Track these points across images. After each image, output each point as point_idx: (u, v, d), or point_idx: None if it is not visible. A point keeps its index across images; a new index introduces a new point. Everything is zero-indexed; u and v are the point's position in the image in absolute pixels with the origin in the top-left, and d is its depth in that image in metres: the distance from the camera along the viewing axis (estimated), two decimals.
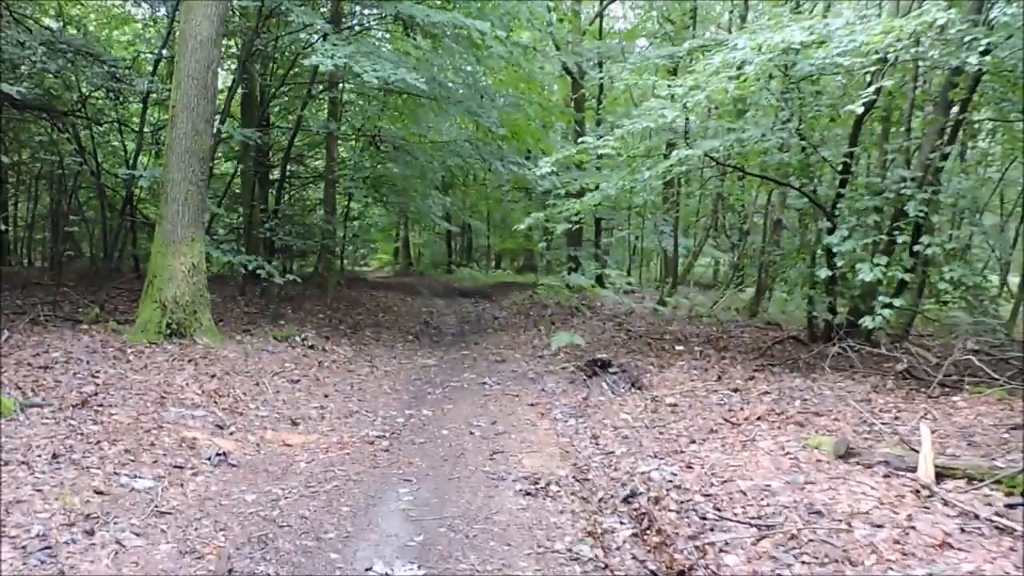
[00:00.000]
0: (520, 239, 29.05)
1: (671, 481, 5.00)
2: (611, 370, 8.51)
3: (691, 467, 5.24)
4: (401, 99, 15.04)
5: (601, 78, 19.44)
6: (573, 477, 5.22)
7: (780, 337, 10.82)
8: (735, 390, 7.57)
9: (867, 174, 11.30)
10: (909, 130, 9.87)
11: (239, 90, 17.30)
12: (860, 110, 7.13)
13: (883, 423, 6.25)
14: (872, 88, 6.98)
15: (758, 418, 6.33)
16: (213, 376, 7.63)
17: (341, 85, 16.51)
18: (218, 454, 5.37)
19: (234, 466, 5.26)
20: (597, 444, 6.03)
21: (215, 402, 6.72)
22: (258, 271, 10.66)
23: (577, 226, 21.40)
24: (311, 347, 9.77)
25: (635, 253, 27.02)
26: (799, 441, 5.58)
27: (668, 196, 14.73)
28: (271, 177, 22.33)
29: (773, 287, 14.61)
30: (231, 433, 5.99)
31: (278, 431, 6.25)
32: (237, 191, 17.37)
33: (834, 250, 8.00)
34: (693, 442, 5.84)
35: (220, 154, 21.40)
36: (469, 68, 12.29)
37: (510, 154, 13.52)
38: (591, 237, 22.94)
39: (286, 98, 17.32)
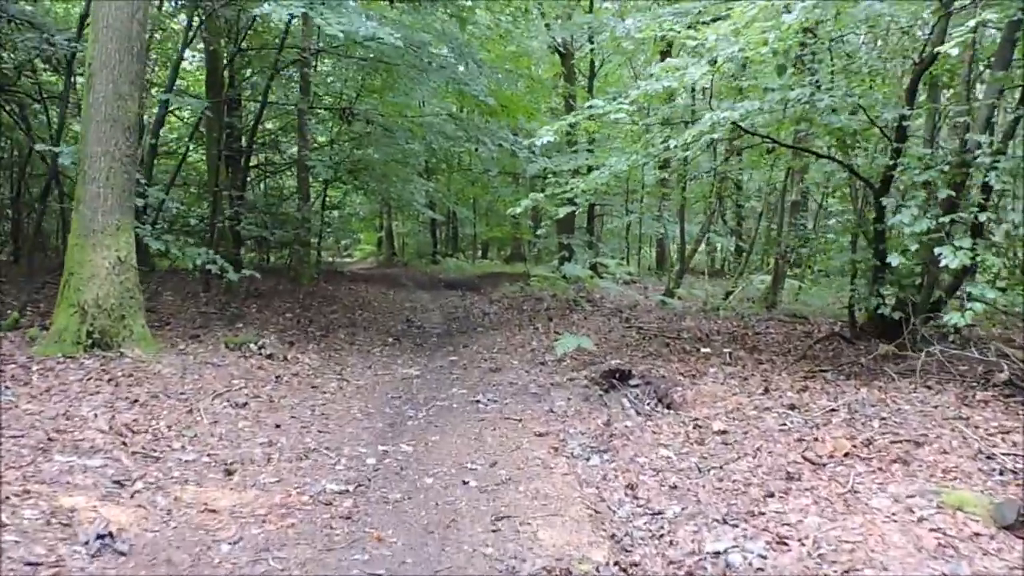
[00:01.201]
0: (508, 227, 27.32)
1: (762, 569, 3.32)
2: (632, 382, 6.81)
3: (784, 543, 3.56)
4: (380, 76, 13.25)
5: (592, 50, 17.70)
6: (615, 564, 3.51)
7: (819, 334, 9.18)
8: (791, 407, 5.90)
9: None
10: (969, 92, 8.23)
11: (203, 63, 15.49)
12: (955, 51, 5.46)
13: (1004, 453, 4.62)
14: (973, 22, 5.29)
15: (845, 454, 4.65)
16: (135, 402, 5.88)
17: (313, 63, 14.69)
18: (101, 535, 3.62)
19: (122, 555, 3.52)
20: (636, 498, 4.33)
21: (125, 442, 4.97)
22: (208, 266, 8.85)
23: (573, 210, 19.79)
24: (269, 356, 8.01)
25: (628, 240, 25.36)
26: (925, 496, 3.91)
27: (676, 175, 12.95)
28: (245, 164, 20.61)
29: (798, 275, 12.99)
30: (134, 494, 4.24)
31: (203, 485, 4.50)
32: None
33: (906, 231, 6.33)
34: (771, 495, 4.16)
35: (186, 138, 19.64)
36: (454, 31, 10.50)
37: (499, 130, 11.76)
38: (582, 224, 21.29)
39: (255, 76, 15.45)
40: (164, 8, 14.70)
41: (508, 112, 11.27)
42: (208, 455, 5.04)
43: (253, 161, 20.20)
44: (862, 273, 8.37)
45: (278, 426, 5.81)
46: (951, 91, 7.99)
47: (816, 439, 5.01)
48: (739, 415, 5.78)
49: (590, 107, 7.01)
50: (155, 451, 4.96)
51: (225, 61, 15.21)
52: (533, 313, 12.52)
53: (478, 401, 6.77)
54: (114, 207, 7.22)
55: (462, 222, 30.43)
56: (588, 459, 5.08)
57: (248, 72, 15.34)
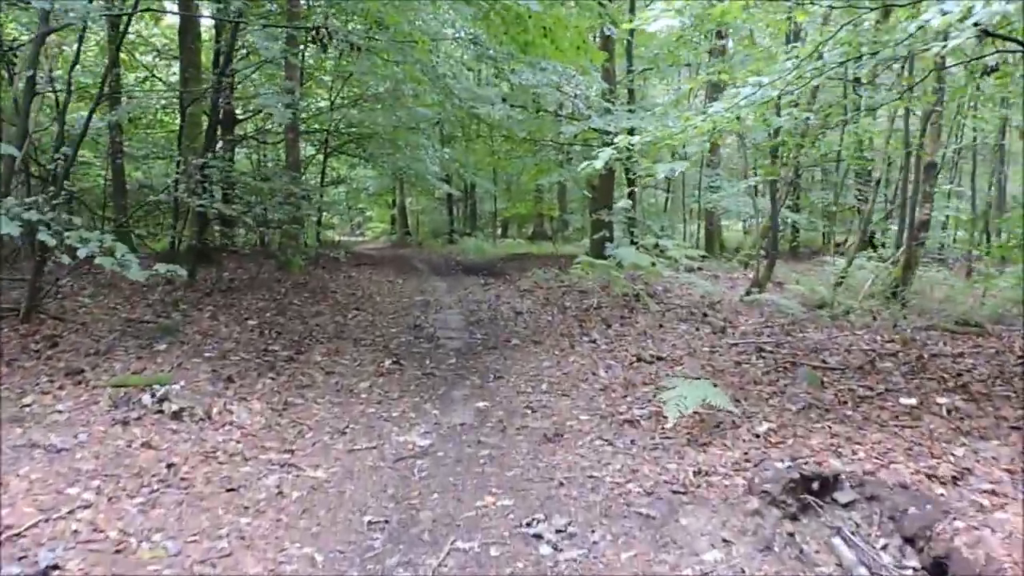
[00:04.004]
0: (531, 202, 23.76)
1: None
2: (840, 496, 3.32)
3: None
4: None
5: None
6: None
7: None
8: None
9: None
10: None
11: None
12: None
13: None
14: None
15: None
16: None
17: None
18: None
19: None
20: None
21: None
22: (98, 259, 5.37)
23: (612, 181, 16.14)
24: (177, 415, 4.57)
25: (667, 212, 21.76)
26: None
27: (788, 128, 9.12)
28: (240, 133, 17.10)
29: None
30: None
31: None
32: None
33: None
34: None
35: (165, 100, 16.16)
36: None
37: (541, 61, 8.13)
38: (621, 197, 17.67)
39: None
40: None
41: (552, 40, 7.69)
42: None
43: (239, 131, 16.84)
44: None
45: None
46: None
47: None
48: None
49: None
50: None
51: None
52: (581, 314, 9.01)
53: (539, 536, 3.28)
54: None
55: (481, 198, 26.87)
56: None
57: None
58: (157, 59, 17.65)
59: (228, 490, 3.73)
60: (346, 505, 3.63)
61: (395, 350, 7.33)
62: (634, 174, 16.06)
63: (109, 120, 12.97)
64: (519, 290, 11.95)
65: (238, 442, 4.39)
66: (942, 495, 3.30)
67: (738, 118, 4.50)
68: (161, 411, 4.57)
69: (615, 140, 4.54)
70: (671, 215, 21.48)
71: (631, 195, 16.37)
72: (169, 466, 3.90)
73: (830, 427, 4.35)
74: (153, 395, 4.67)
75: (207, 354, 6.17)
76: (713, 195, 14.99)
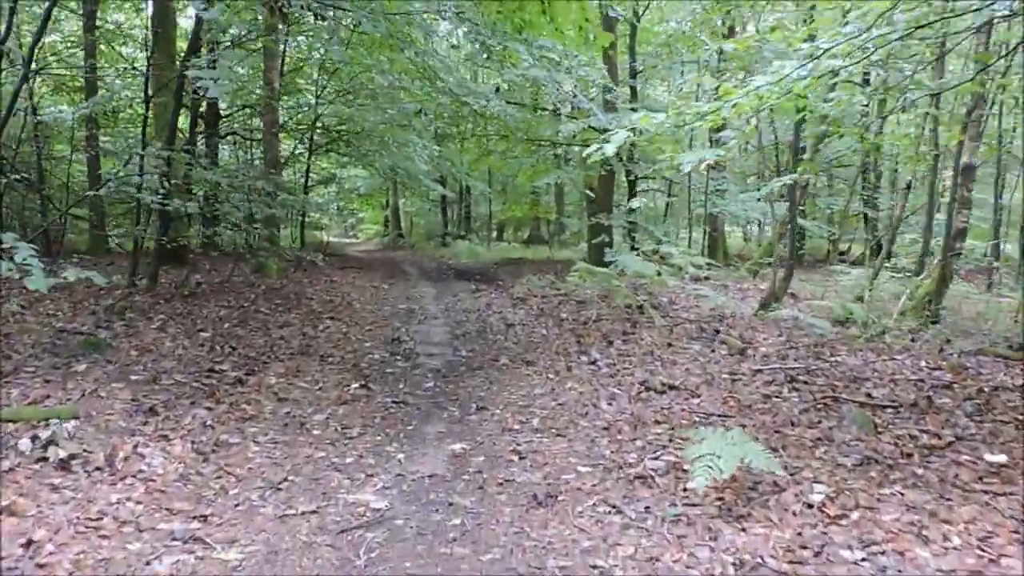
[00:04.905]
0: (527, 205, 22.76)
1: None
2: None
3: None
4: None
5: None
6: None
7: None
8: None
9: None
10: None
11: None
12: None
13: None
14: None
15: None
16: None
17: None
18: None
19: None
20: None
21: None
22: None
23: (612, 181, 15.09)
24: (65, 463, 3.54)
25: (667, 217, 20.74)
26: None
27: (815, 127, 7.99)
28: (223, 128, 16.12)
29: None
30: None
31: None
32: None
33: None
34: None
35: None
36: None
37: (538, 40, 7.09)
38: (620, 202, 16.66)
39: None
40: None
41: (551, 17, 6.66)
42: None
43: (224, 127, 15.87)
44: None
45: None
46: None
47: None
48: None
49: None
50: None
51: None
52: (579, 327, 7.99)
53: None
54: None
55: (476, 200, 25.82)
56: None
57: None
58: (138, 51, 16.70)
59: None
60: None
61: (365, 370, 6.30)
62: (635, 176, 15.10)
63: (80, 112, 11.87)
64: (512, 298, 10.93)
65: (138, 502, 3.36)
66: None
67: (780, 95, 3.47)
68: (45, 458, 3.54)
69: (633, 122, 3.54)
70: (673, 220, 20.47)
71: (633, 195, 15.31)
72: (28, 544, 2.88)
73: (901, 494, 3.34)
74: (36, 438, 3.64)
75: (134, 376, 5.14)
76: (720, 200, 13.98)
